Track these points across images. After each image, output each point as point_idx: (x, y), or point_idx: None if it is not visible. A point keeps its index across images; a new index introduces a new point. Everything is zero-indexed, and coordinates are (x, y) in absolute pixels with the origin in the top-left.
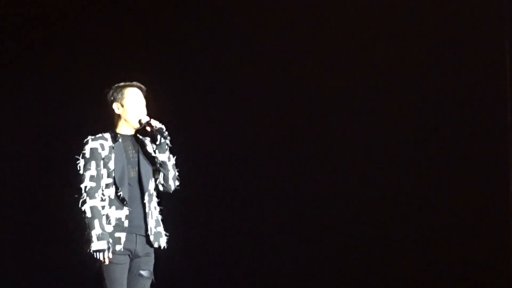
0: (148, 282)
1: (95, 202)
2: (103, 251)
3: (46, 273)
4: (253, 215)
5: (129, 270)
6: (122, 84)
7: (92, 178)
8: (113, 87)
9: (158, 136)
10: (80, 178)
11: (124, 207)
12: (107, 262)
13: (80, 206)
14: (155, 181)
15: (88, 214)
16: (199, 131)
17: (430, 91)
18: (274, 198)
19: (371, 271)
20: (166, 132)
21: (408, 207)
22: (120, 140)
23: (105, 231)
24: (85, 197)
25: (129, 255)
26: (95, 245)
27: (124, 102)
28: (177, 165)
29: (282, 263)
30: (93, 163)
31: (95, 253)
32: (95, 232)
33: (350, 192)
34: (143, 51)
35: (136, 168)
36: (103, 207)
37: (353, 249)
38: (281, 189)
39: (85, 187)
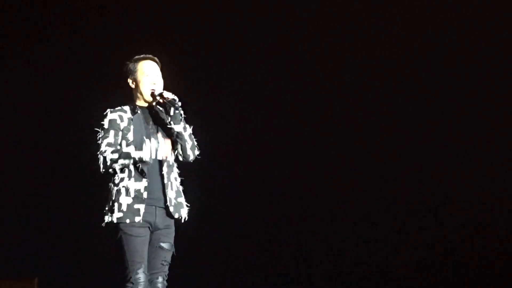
0: (169, 254)
1: (113, 152)
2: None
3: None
4: (277, 191)
5: (150, 242)
6: (136, 57)
7: (109, 144)
8: (127, 61)
9: (171, 108)
10: (99, 147)
11: (144, 178)
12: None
13: (102, 168)
14: (174, 151)
15: (115, 157)
16: (219, 101)
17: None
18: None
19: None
20: (179, 103)
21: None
22: (139, 112)
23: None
24: (105, 154)
25: (149, 228)
26: (138, 154)
27: (137, 75)
28: (196, 134)
29: (297, 239)
30: (111, 132)
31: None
32: (133, 153)
33: (351, 191)
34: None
35: (156, 139)
36: (122, 179)
37: (353, 249)
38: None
39: (102, 151)
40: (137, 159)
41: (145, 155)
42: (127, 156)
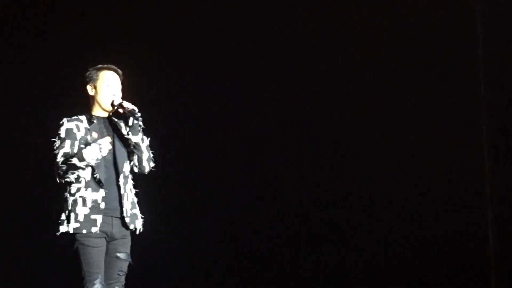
0: (126, 264)
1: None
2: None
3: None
4: (230, 198)
5: (107, 252)
6: (98, 66)
7: (65, 154)
8: (90, 69)
9: (131, 118)
10: (55, 157)
11: (100, 189)
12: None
13: (59, 178)
14: (130, 163)
15: (63, 167)
16: (176, 113)
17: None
18: (249, 179)
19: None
20: (139, 114)
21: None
22: (95, 121)
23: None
24: (61, 165)
25: (105, 238)
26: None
27: (98, 84)
28: (152, 147)
29: (254, 244)
30: (67, 142)
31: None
32: (82, 151)
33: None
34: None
35: (112, 150)
36: (78, 189)
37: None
38: (253, 168)
39: (58, 162)
40: (83, 156)
41: (91, 153)
42: (75, 167)
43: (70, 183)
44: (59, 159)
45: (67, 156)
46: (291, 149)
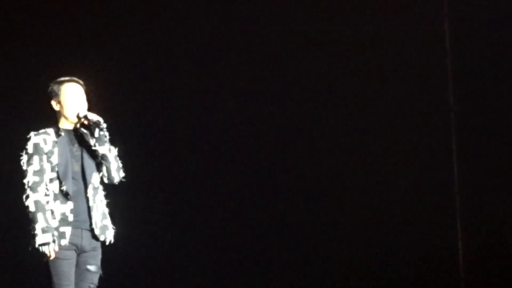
0: (96, 277)
1: (39, 196)
2: (48, 244)
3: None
4: (204, 207)
5: (77, 264)
6: (59, 80)
7: (35, 172)
8: (51, 83)
9: (96, 129)
10: (23, 174)
11: (68, 201)
12: (53, 255)
13: (24, 200)
14: (99, 174)
15: (32, 208)
16: (145, 122)
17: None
18: (225, 189)
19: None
20: (104, 125)
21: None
22: (63, 134)
23: (50, 225)
24: (28, 192)
25: (75, 250)
26: (40, 238)
27: (62, 98)
28: (122, 157)
29: (231, 254)
30: (36, 158)
31: (40, 247)
32: (39, 226)
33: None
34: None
35: (80, 162)
36: (47, 202)
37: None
38: (228, 178)
39: (28, 181)
40: (36, 233)
41: (46, 240)
42: (35, 219)
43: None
44: (30, 178)
45: (37, 175)
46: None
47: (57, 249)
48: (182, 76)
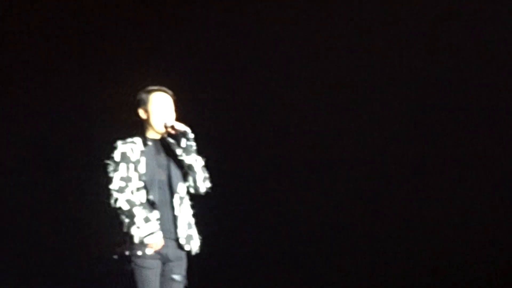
0: (181, 286)
1: (128, 195)
2: (154, 233)
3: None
4: (289, 219)
5: (162, 274)
6: (148, 88)
7: (122, 178)
8: (139, 92)
9: (183, 139)
10: (109, 180)
11: (154, 210)
12: (161, 244)
13: (113, 205)
14: (185, 183)
15: (125, 207)
16: (230, 133)
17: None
18: (307, 197)
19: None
20: (191, 135)
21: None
22: (149, 144)
23: (151, 214)
24: (116, 195)
25: (160, 259)
26: (144, 229)
27: (149, 107)
28: (208, 167)
29: (316, 265)
30: (122, 165)
31: (146, 238)
32: (140, 217)
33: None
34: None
35: (166, 171)
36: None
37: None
38: (306, 186)
39: (115, 187)
40: (138, 226)
41: (152, 229)
42: (132, 213)
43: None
44: (117, 184)
45: (124, 181)
46: None
47: (162, 241)
48: (269, 89)
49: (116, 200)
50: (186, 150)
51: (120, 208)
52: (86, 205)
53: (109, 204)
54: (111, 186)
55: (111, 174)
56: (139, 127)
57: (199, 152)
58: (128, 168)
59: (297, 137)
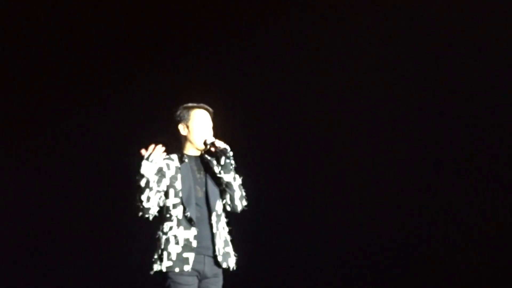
0: None
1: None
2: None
3: None
4: (325, 235)
5: None
6: (189, 105)
7: (158, 192)
8: (180, 107)
9: (222, 157)
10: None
11: (192, 227)
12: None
13: (139, 212)
14: (222, 201)
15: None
16: (268, 150)
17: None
18: (350, 214)
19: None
20: (231, 153)
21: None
22: (186, 160)
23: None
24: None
25: (197, 276)
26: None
27: (190, 123)
28: (245, 185)
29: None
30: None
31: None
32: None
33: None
34: (209, 73)
35: (204, 188)
36: (171, 228)
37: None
38: (343, 205)
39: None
40: (148, 179)
41: (148, 172)
42: (140, 188)
43: (161, 221)
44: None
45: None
46: None
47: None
48: (305, 107)
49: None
50: (225, 168)
51: (141, 201)
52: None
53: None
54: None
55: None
56: (176, 143)
57: (237, 170)
58: (159, 181)
59: (334, 159)
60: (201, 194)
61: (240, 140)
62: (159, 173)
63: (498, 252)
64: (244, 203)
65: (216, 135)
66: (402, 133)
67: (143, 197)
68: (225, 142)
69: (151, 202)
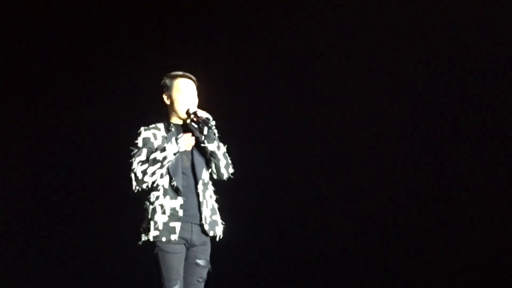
0: (205, 271)
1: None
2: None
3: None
4: (313, 206)
5: (186, 259)
6: (172, 74)
7: (141, 162)
8: (164, 76)
9: (205, 127)
10: (131, 166)
11: (179, 196)
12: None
13: (135, 186)
14: (208, 170)
15: (144, 167)
16: (252, 117)
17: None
18: (338, 187)
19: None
20: (213, 122)
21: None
22: (173, 129)
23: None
24: (133, 176)
25: (185, 244)
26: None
27: (173, 93)
28: (230, 153)
29: (348, 257)
30: (144, 150)
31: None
32: (160, 155)
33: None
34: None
35: (190, 157)
36: (157, 198)
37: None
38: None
39: (134, 168)
40: (166, 155)
41: (170, 151)
42: (154, 161)
43: (149, 191)
44: (135, 166)
45: (143, 163)
46: None
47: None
48: (291, 76)
49: (135, 174)
50: (208, 137)
51: (142, 172)
52: (111, 193)
53: (132, 185)
54: (131, 168)
55: (132, 159)
56: (162, 111)
57: (221, 139)
58: (148, 152)
59: (316, 124)
60: (187, 164)
61: (224, 108)
62: (146, 146)
63: (498, 252)
64: (231, 170)
65: (200, 105)
66: (400, 132)
67: (149, 170)
68: (209, 111)
69: (153, 177)
